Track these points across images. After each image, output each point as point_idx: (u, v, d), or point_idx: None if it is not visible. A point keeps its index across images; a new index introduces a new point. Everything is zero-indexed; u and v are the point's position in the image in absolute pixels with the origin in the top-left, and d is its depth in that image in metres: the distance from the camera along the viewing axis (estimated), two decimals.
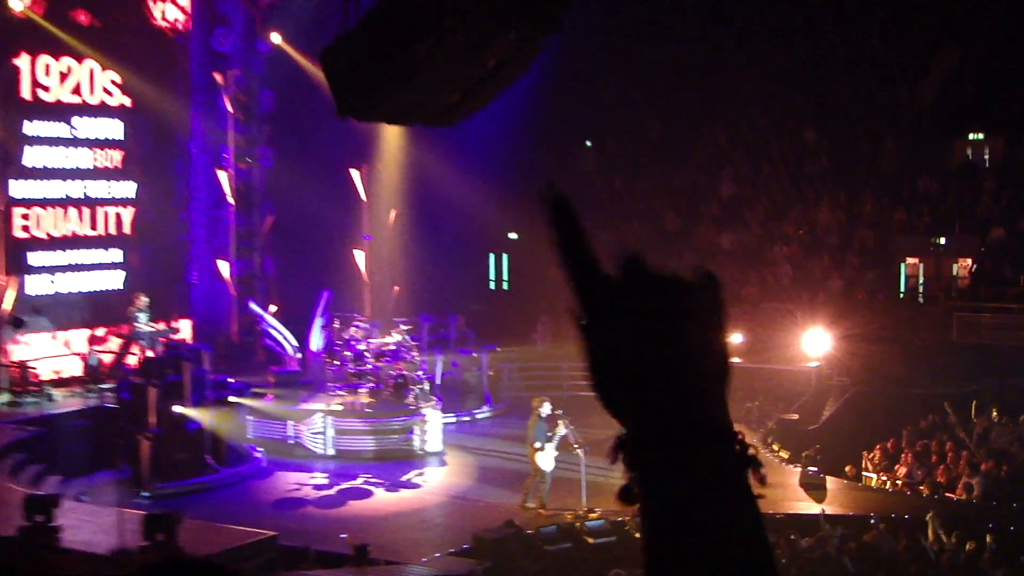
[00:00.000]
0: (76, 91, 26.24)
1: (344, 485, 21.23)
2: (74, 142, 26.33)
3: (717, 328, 1.78)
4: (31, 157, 25.48)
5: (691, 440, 1.71)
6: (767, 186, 32.35)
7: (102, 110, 26.77)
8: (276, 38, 28.99)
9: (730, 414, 1.77)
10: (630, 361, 1.74)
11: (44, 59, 25.53)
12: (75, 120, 26.28)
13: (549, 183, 1.85)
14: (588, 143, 35.27)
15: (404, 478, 21.69)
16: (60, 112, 26.01)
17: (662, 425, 1.73)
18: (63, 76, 25.95)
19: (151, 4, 27.60)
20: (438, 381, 26.09)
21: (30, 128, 25.46)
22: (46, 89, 25.71)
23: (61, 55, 25.72)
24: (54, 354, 25.50)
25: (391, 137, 30.17)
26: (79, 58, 26.00)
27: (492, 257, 34.29)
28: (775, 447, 23.87)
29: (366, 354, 24.44)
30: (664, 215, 32.89)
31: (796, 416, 25.24)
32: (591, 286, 1.76)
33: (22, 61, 25.18)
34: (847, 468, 22.53)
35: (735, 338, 27.78)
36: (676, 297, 1.75)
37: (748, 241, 31.59)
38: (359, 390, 24.22)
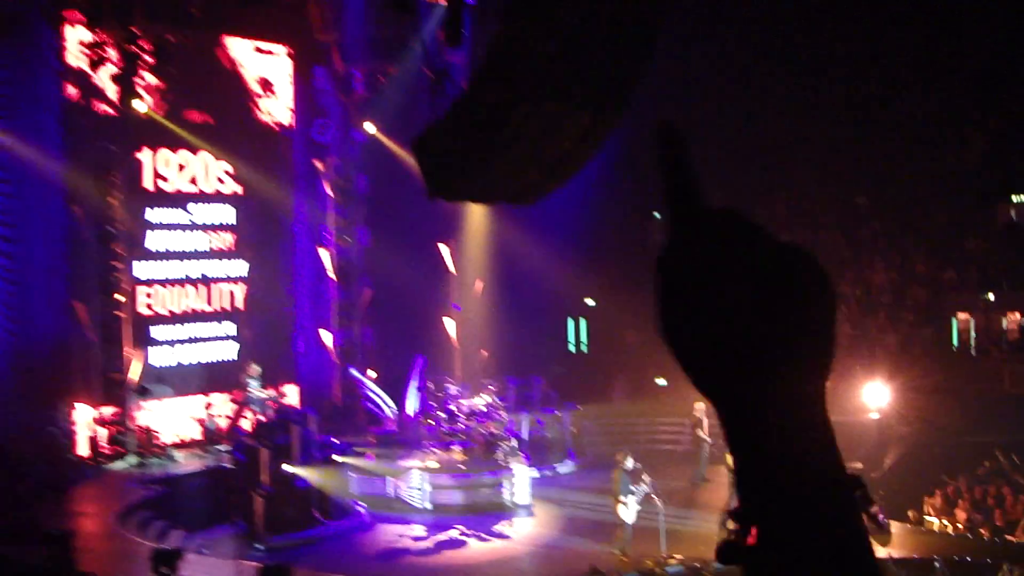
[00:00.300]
0: (192, 181, 26.69)
1: (440, 536, 21.17)
2: (191, 226, 26.73)
3: (828, 306, 1.50)
4: (153, 241, 25.90)
5: (790, 435, 1.44)
6: (824, 250, 32.09)
7: (216, 197, 27.19)
8: (370, 128, 29.30)
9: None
10: (722, 315, 1.40)
11: (164, 153, 26.02)
12: (191, 207, 26.70)
13: (660, 119, 1.55)
14: (657, 214, 35.20)
15: (495, 529, 21.59)
16: (178, 200, 26.45)
17: (750, 406, 1.43)
18: (181, 167, 26.43)
19: (258, 102, 28.06)
20: (525, 438, 26.01)
21: (152, 215, 25.90)
22: (165, 179, 26.18)
23: (179, 149, 26.19)
24: (176, 419, 25.74)
25: (476, 214, 30.33)
26: (195, 151, 26.45)
27: (571, 322, 34.21)
28: None
29: (458, 415, 24.49)
30: None
31: (860, 464, 24.81)
32: (688, 216, 1.48)
33: (144, 155, 25.69)
34: (910, 513, 22.12)
35: None
36: (786, 252, 1.43)
37: None
38: (452, 448, 24.23)
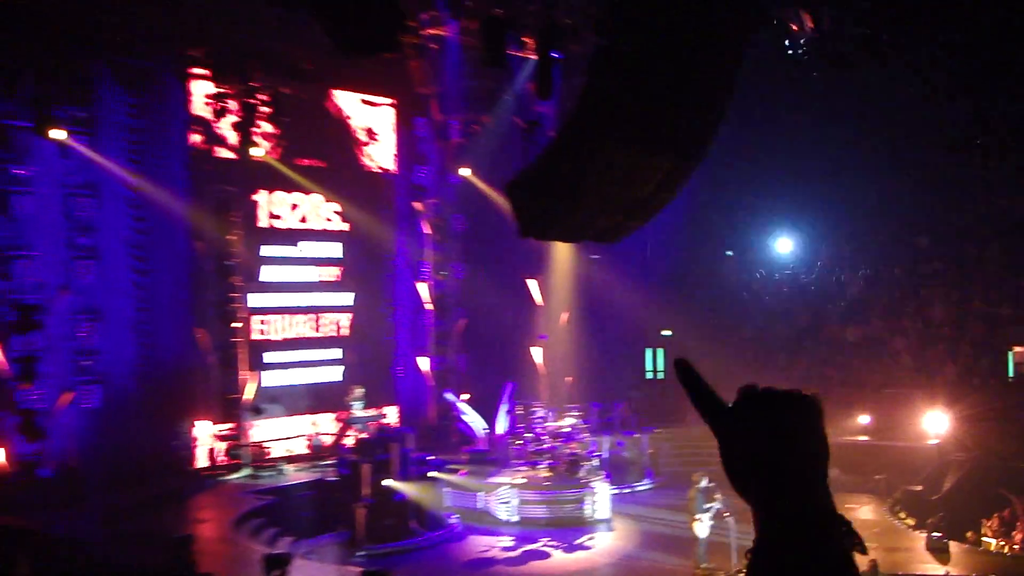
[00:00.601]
0: (303, 219, 27.01)
1: (527, 547, 21.10)
2: (301, 261, 27.02)
3: (812, 433, 2.04)
4: (267, 274, 26.22)
5: (800, 515, 1.96)
6: (887, 286, 31.64)
7: (324, 234, 27.47)
8: (465, 172, 29.47)
9: (833, 502, 1.99)
10: (749, 460, 2.02)
11: (278, 194, 26.37)
12: (302, 243, 27.00)
13: (676, 360, 2.22)
14: (729, 252, 34.96)
15: (577, 542, 21.48)
16: (290, 236, 26.77)
17: (775, 504, 1.98)
18: (293, 207, 26.76)
19: (363, 149, 28.36)
20: (606, 458, 25.87)
21: (266, 250, 26.24)
22: (279, 218, 26.52)
23: (292, 190, 26.51)
24: (286, 436, 25.97)
25: (562, 250, 30.33)
26: (306, 192, 26.77)
27: (649, 351, 34.02)
28: (902, 515, 23.07)
29: (544, 435, 24.43)
30: (797, 314, 32.34)
31: (920, 487, 24.38)
32: (715, 415, 2.09)
33: (260, 196, 26.05)
34: (968, 534, 21.64)
35: (863, 419, 27.08)
36: (778, 412, 2.03)
37: (871, 334, 30.84)
38: (539, 466, 24.17)
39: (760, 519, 2.02)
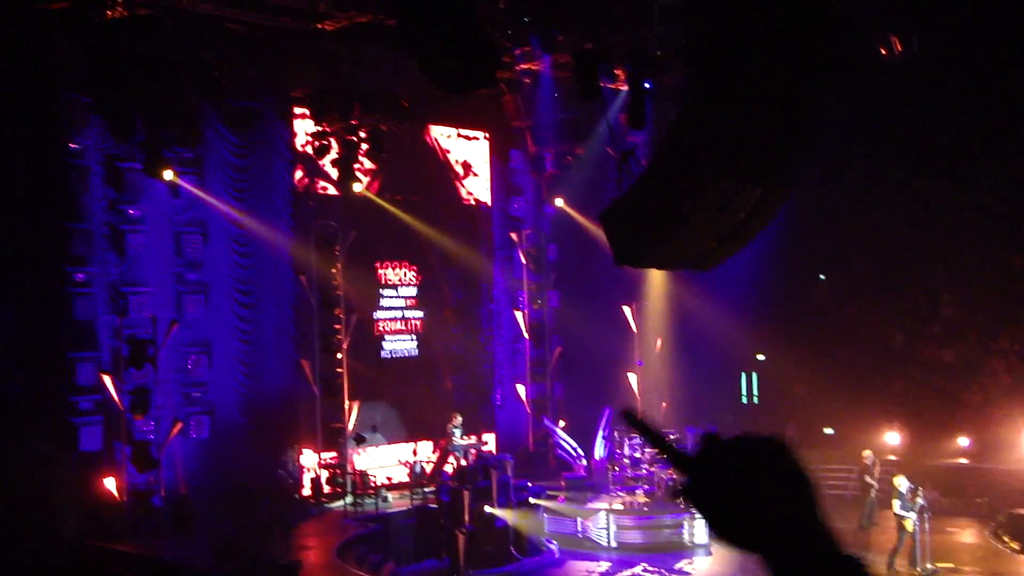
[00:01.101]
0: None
1: (625, 573, 21.02)
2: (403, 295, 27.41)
3: (785, 476, 1.94)
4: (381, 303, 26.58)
5: (800, 559, 1.90)
6: (982, 307, 30.98)
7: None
8: (560, 202, 29.61)
9: (836, 543, 1.95)
10: (724, 509, 1.92)
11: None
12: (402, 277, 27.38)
13: (624, 410, 2.19)
14: (822, 276, 34.54)
15: (676, 566, 21.34)
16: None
17: (770, 550, 1.90)
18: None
19: (460, 182, 28.65)
20: None
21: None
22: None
23: (391, 223, 26.85)
24: (387, 464, 26.16)
25: (657, 277, 30.25)
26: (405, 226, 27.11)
27: (743, 375, 33.71)
28: (1006, 539, 22.52)
29: (642, 461, 24.35)
30: (892, 336, 31.81)
31: (1022, 510, 23.78)
32: (678, 464, 2.00)
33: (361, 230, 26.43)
34: None
35: (962, 441, 26.50)
36: (741, 460, 1.94)
37: (967, 355, 30.21)
38: (636, 492, 24.09)
39: (764, 566, 1.94)
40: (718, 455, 1.98)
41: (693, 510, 1.98)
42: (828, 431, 28.47)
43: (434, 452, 26.83)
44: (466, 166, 28.75)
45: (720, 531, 1.96)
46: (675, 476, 23.89)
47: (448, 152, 28.41)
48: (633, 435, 25.14)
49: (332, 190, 25.26)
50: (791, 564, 1.90)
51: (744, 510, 1.91)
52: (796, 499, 1.95)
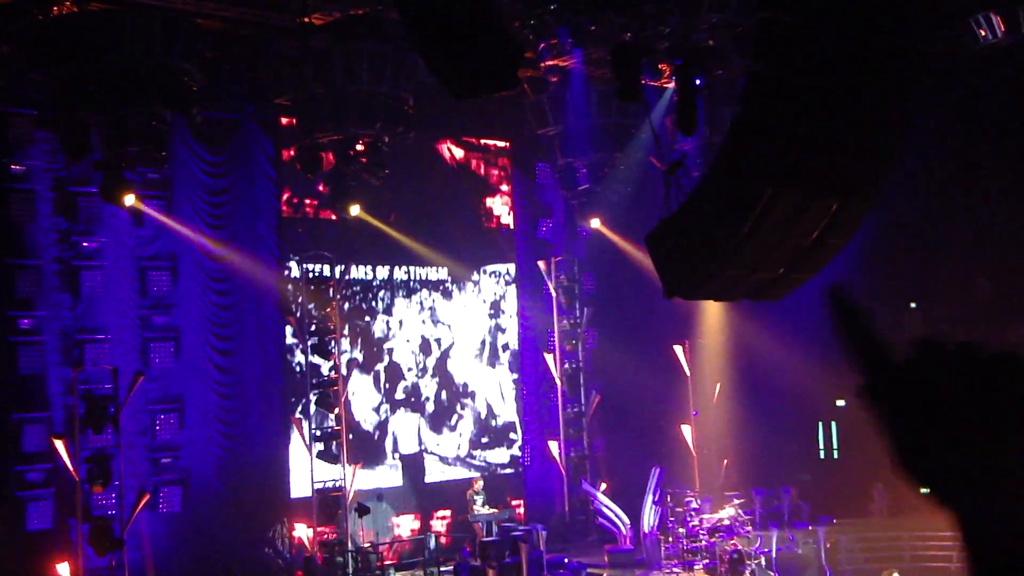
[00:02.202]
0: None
1: None
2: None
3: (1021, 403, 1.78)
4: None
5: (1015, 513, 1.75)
6: None
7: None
8: (596, 223, 29.54)
9: None
10: (934, 440, 1.79)
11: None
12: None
13: (830, 287, 1.92)
14: (914, 304, 34.35)
15: None
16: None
17: (978, 501, 1.79)
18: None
19: (476, 200, 28.76)
20: (774, 556, 25.46)
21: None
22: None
23: (394, 252, 26.91)
24: (396, 538, 26.09)
25: (713, 310, 30.11)
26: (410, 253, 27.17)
27: (820, 426, 33.51)
28: None
29: (700, 531, 24.16)
30: None
31: None
32: (883, 375, 1.84)
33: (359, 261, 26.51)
34: None
35: None
36: (972, 372, 1.78)
37: None
38: (695, 567, 23.90)
39: (961, 520, 1.84)
40: (941, 365, 1.82)
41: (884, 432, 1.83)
42: (926, 491, 28.25)
43: (451, 525, 26.72)
44: (484, 182, 28.77)
45: (912, 460, 1.86)
46: (738, 548, 23.74)
47: (461, 167, 28.45)
48: (689, 499, 24.99)
49: (325, 214, 25.28)
50: (1003, 524, 1.79)
51: (957, 439, 1.79)
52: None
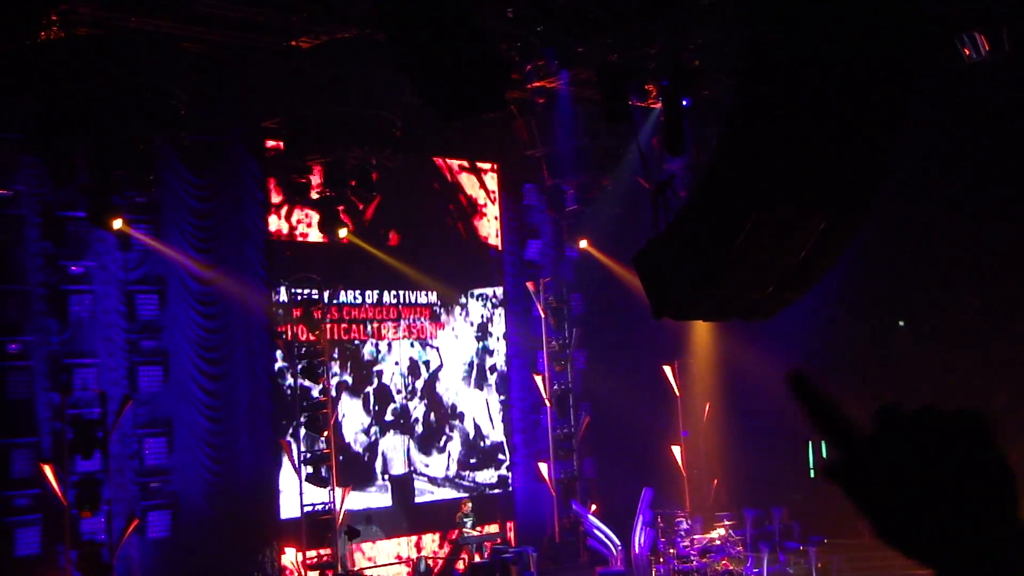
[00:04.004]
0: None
1: None
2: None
3: (988, 462, 1.81)
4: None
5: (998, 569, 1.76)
6: None
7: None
8: (584, 244, 29.55)
9: None
10: (905, 507, 1.81)
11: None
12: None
13: (789, 372, 1.98)
14: (902, 322, 34.38)
15: None
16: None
17: (956, 561, 1.78)
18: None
19: (464, 222, 28.76)
20: None
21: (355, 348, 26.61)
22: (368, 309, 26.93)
23: (384, 274, 26.89)
24: (385, 562, 26.00)
25: (701, 331, 30.13)
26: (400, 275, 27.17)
27: (810, 445, 33.49)
28: None
29: (691, 552, 24.11)
30: (992, 394, 31.56)
31: None
32: (848, 449, 1.87)
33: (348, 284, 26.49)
34: None
35: None
36: (940, 438, 1.82)
37: None
38: None
39: None
40: (899, 433, 1.85)
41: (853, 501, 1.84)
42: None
43: (441, 547, 26.64)
44: (471, 204, 28.78)
45: (888, 532, 1.85)
46: (729, 569, 23.69)
47: (449, 188, 28.47)
48: (679, 519, 24.94)
49: (314, 237, 25.25)
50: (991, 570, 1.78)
51: (927, 506, 1.80)
52: (994, 496, 1.82)
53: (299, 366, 24.78)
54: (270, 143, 24.53)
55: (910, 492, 1.80)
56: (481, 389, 29.12)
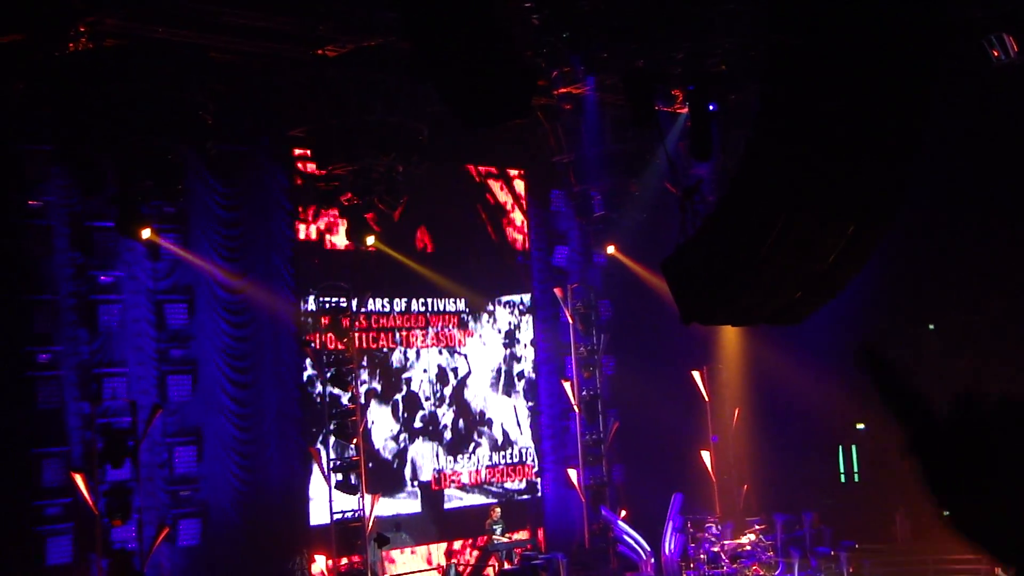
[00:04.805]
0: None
1: None
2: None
3: None
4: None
5: None
6: None
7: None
8: (611, 249, 29.52)
9: None
10: (975, 490, 1.80)
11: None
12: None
13: (862, 345, 1.96)
14: (931, 326, 34.20)
15: None
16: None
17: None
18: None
19: (492, 229, 28.74)
20: None
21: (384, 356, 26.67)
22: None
23: (411, 282, 26.92)
24: (415, 569, 25.99)
25: (731, 335, 30.07)
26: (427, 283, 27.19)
27: (840, 449, 33.36)
28: None
29: (722, 557, 24.06)
30: (1020, 396, 31.36)
31: None
32: (922, 429, 1.88)
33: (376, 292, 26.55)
34: None
35: None
36: (1016, 428, 1.81)
37: None
38: None
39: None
40: (984, 422, 1.84)
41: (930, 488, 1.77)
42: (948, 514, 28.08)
43: (471, 553, 26.64)
44: (498, 210, 28.80)
45: (970, 527, 1.84)
46: (762, 574, 23.62)
47: (476, 195, 28.50)
48: (709, 524, 24.87)
49: (341, 244, 25.32)
50: None
51: (1015, 499, 1.78)
52: None
53: (328, 374, 24.83)
54: (297, 151, 24.61)
55: (991, 481, 1.79)
56: (509, 396, 29.12)
